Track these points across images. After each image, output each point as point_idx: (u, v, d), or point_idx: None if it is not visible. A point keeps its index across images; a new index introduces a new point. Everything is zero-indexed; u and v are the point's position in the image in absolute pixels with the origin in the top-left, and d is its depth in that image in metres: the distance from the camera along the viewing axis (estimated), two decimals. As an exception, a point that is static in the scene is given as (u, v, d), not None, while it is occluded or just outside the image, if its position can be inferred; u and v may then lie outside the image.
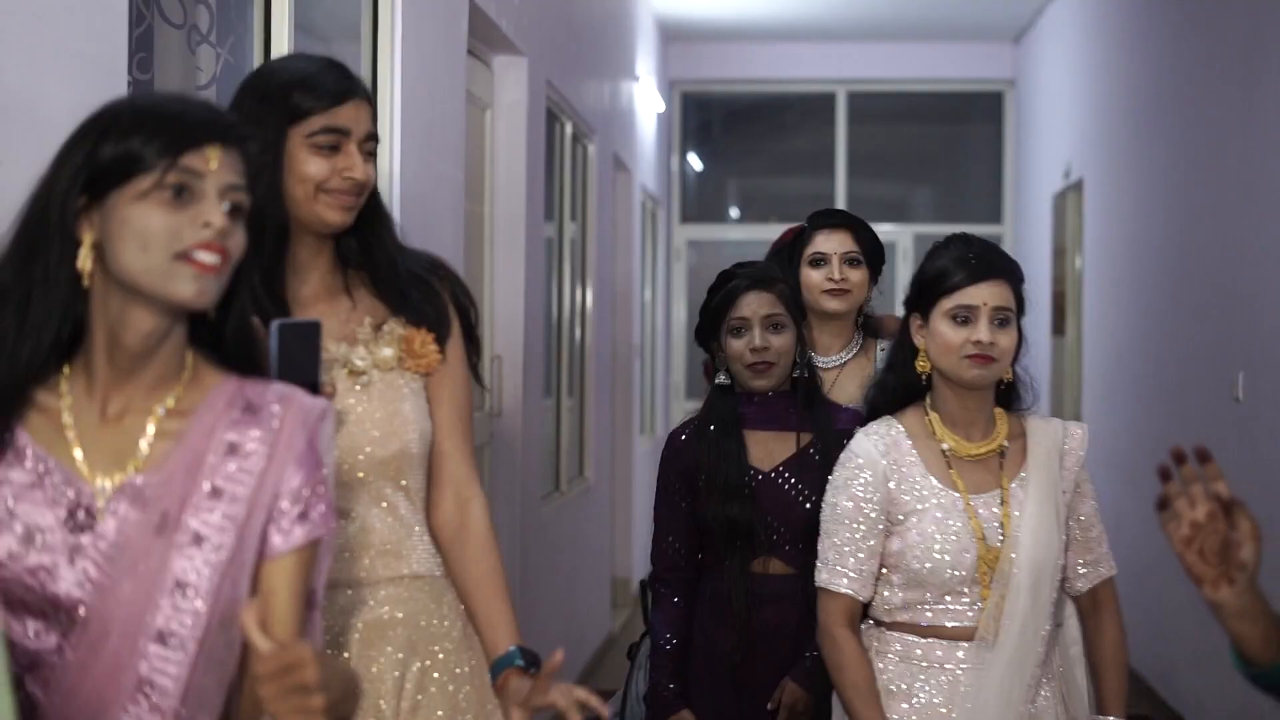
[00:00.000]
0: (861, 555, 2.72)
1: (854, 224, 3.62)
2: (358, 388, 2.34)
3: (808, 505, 3.14)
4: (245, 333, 1.78)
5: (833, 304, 3.51)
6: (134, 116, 1.66)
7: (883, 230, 12.10)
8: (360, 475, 2.33)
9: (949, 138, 11.91)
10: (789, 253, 3.59)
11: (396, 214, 3.75)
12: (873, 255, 3.61)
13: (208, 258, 1.65)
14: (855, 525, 2.72)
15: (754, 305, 3.20)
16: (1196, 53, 6.41)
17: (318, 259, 2.36)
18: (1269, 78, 5.39)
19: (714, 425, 3.21)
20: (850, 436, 2.82)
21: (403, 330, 2.37)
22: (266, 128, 2.27)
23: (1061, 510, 2.78)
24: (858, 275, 3.55)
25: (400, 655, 2.32)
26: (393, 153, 3.86)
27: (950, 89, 11.55)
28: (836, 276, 3.51)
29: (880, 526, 2.72)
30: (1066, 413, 8.90)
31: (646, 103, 9.80)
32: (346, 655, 2.30)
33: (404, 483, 2.37)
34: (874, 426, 2.78)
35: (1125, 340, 7.54)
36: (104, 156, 1.64)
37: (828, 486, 2.79)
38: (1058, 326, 9.30)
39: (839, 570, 2.73)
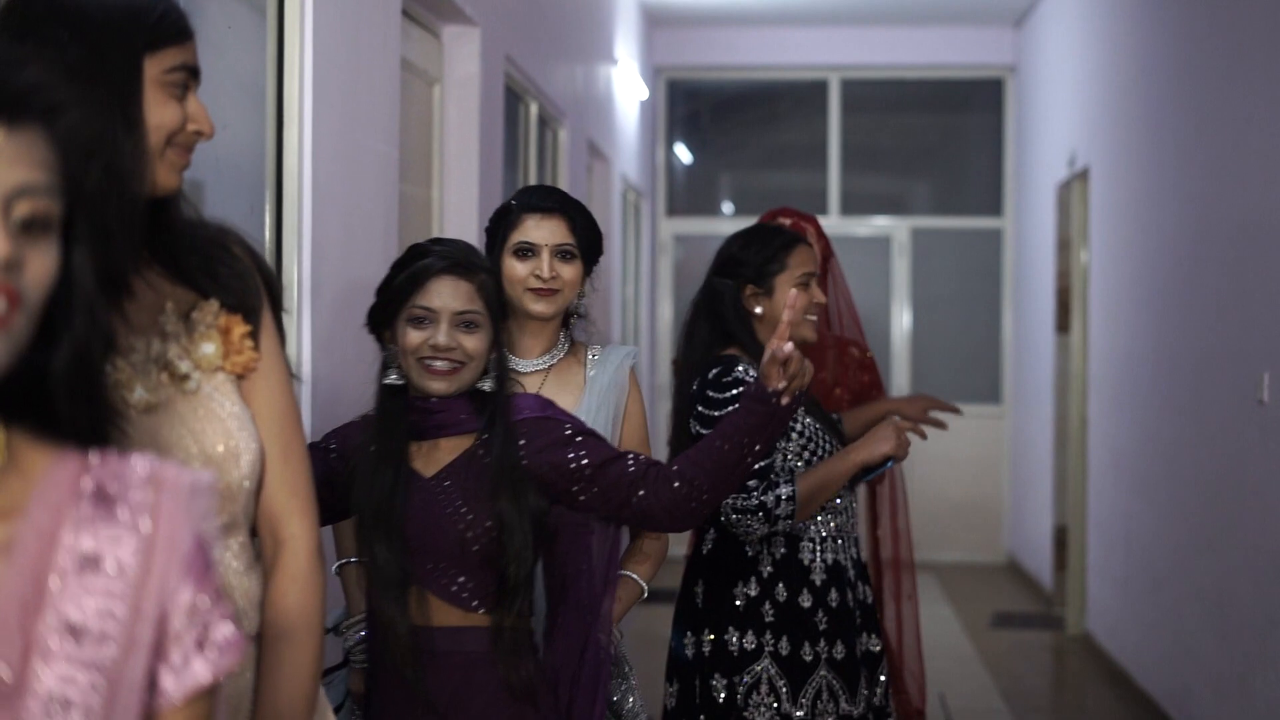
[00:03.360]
0: None
1: (570, 209, 3.04)
2: (179, 399, 1.80)
3: (468, 534, 2.57)
4: (83, 383, 1.23)
5: (539, 306, 2.98)
6: None
7: (879, 223, 11.98)
8: None
9: (947, 127, 11.60)
10: (490, 234, 3.06)
11: (307, 193, 3.26)
12: (589, 247, 3.04)
13: None
14: None
15: (446, 295, 2.62)
16: (1212, 30, 6.01)
17: None
18: (1297, 49, 4.96)
19: (375, 444, 2.61)
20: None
21: (216, 318, 1.83)
22: (109, 65, 1.74)
23: None
24: (570, 272, 2.99)
25: None
26: (303, 121, 3.36)
27: (948, 76, 11.23)
28: (546, 274, 2.96)
29: None
30: (1072, 417, 8.52)
31: (627, 89, 9.36)
32: None
33: (238, 539, 1.85)
34: None
35: (1135, 339, 7.13)
36: None
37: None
38: (1061, 324, 8.95)
39: None
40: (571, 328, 3.10)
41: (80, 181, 1.17)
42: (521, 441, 2.60)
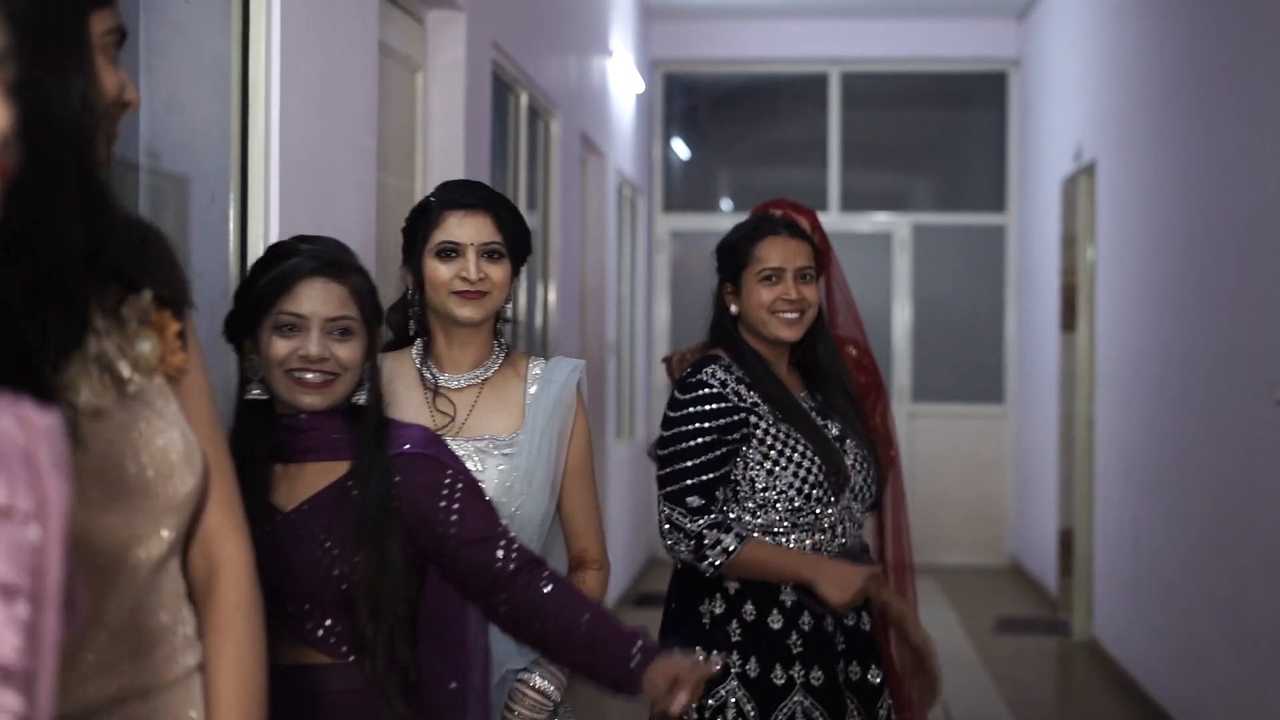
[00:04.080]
0: None
1: (496, 205, 2.79)
2: (121, 403, 1.57)
3: (336, 572, 2.30)
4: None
5: (466, 311, 2.74)
6: None
7: (879, 219, 11.88)
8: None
9: (949, 121, 11.45)
10: (408, 235, 2.83)
11: (275, 184, 3.07)
12: (517, 245, 2.81)
13: None
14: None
15: (317, 300, 2.34)
16: (1222, 17, 5.85)
17: None
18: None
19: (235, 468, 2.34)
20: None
21: (148, 314, 1.60)
22: (58, 18, 1.52)
23: None
24: (499, 272, 2.75)
25: None
26: (270, 105, 3.16)
27: (950, 69, 11.08)
28: (473, 275, 2.72)
29: None
30: (1078, 417, 8.36)
31: (623, 82, 9.18)
32: None
33: (177, 559, 1.63)
34: None
35: (1145, 336, 6.96)
36: None
37: None
38: (1067, 322, 8.79)
39: None
40: (502, 335, 2.85)
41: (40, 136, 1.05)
42: (397, 478, 2.32)
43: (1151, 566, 6.76)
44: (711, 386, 3.15)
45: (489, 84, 5.28)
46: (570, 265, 7.22)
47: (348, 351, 2.34)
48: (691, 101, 11.45)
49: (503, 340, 2.84)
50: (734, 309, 3.28)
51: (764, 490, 3.16)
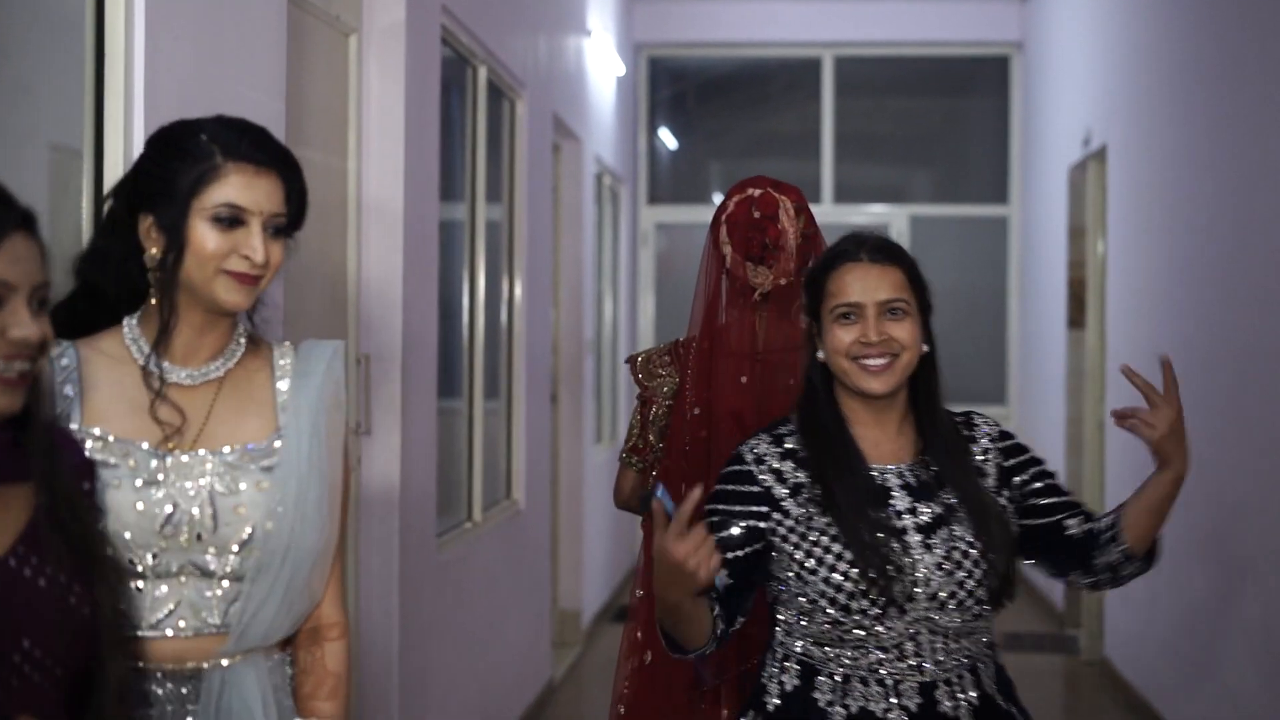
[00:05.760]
0: None
1: (289, 166, 2.15)
2: None
3: (72, 599, 1.79)
4: None
5: (237, 297, 2.10)
6: None
7: (876, 211, 11.50)
8: None
9: (948, 108, 11.19)
10: (158, 175, 2.12)
11: (137, 146, 2.53)
12: (298, 219, 2.18)
13: None
14: None
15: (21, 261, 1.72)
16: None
17: None
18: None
19: None
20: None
21: None
22: None
23: None
24: (279, 253, 2.13)
25: None
26: (133, 54, 2.63)
27: (950, 53, 10.77)
28: (259, 255, 2.09)
29: None
30: (1087, 419, 7.98)
31: (602, 64, 8.67)
32: None
33: None
34: None
35: (1161, 334, 6.57)
36: None
37: None
38: (1074, 319, 8.42)
39: None
40: (240, 319, 2.21)
41: None
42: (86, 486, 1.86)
43: (1170, 583, 6.30)
44: (744, 463, 2.57)
45: (437, 52, 4.75)
46: (541, 257, 6.70)
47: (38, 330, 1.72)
48: (679, 89, 11.17)
49: (242, 325, 2.20)
50: (820, 354, 2.62)
51: (799, 596, 2.52)
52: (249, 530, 2.06)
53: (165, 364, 2.11)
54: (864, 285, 2.57)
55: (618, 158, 9.57)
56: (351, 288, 4.21)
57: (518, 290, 6.28)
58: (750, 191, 3.40)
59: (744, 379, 3.34)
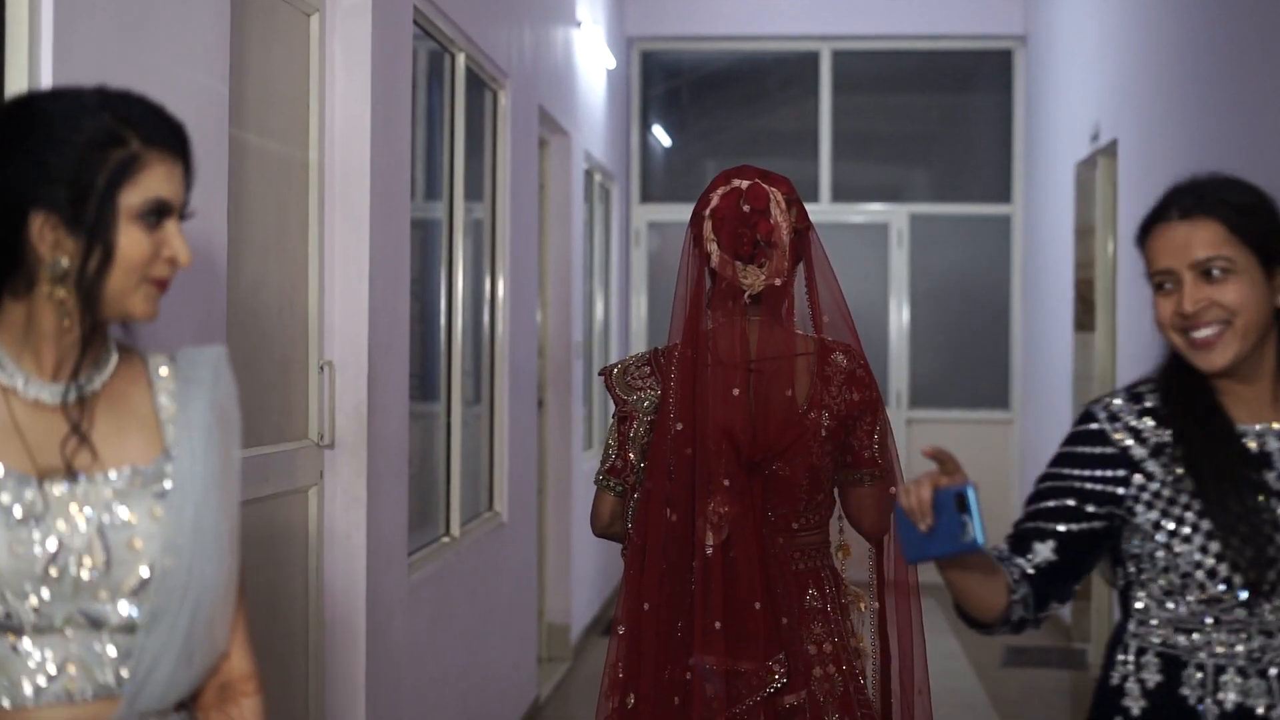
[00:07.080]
0: None
1: (189, 151, 1.83)
2: None
3: None
4: None
5: (152, 307, 1.81)
6: None
7: (875, 209, 11.23)
8: None
9: (949, 104, 10.96)
10: (80, 167, 1.76)
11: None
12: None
13: None
14: None
15: None
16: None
17: None
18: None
19: None
20: None
21: None
22: None
23: None
24: (188, 254, 1.82)
25: None
26: (38, 25, 2.32)
27: (951, 47, 10.52)
28: (184, 257, 1.79)
29: None
30: None
31: (592, 57, 8.37)
32: None
33: None
34: None
35: None
36: None
37: None
38: (1082, 321, 8.16)
39: None
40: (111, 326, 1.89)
41: None
42: None
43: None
44: (1095, 420, 2.30)
45: (409, 35, 4.44)
46: (526, 256, 6.40)
47: None
48: (673, 85, 10.94)
49: (112, 332, 1.87)
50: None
51: (1166, 570, 2.25)
52: (146, 569, 1.75)
53: (31, 380, 1.77)
54: (1172, 247, 2.24)
55: (609, 154, 9.28)
56: (313, 291, 3.89)
57: (500, 291, 5.98)
58: (737, 183, 3.09)
59: (736, 391, 3.02)
